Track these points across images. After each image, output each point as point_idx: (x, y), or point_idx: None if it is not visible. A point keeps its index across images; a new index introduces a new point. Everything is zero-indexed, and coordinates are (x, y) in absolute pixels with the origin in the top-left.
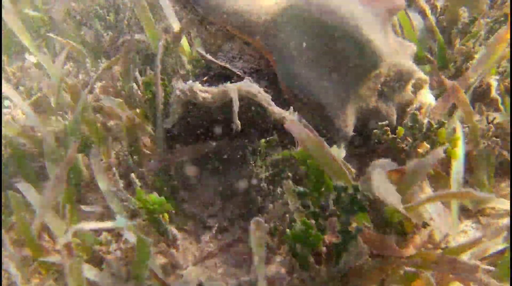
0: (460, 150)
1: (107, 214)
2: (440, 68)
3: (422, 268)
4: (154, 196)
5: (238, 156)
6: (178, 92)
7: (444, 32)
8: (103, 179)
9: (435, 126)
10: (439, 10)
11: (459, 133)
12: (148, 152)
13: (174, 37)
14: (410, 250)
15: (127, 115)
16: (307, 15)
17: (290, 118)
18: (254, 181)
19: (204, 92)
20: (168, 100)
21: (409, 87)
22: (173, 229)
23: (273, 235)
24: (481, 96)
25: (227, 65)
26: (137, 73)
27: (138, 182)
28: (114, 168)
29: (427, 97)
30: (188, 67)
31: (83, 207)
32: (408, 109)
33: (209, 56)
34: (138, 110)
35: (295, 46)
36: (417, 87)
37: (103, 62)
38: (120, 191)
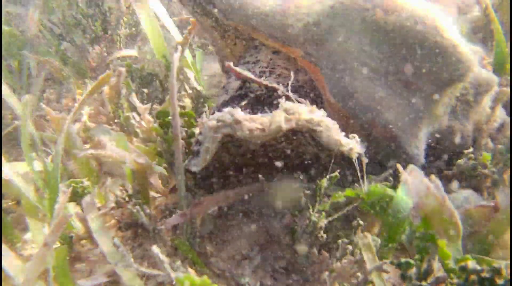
0: None
1: (113, 281)
2: (497, 70)
3: None
4: (206, 281)
5: (280, 198)
6: (213, 124)
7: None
8: (105, 241)
9: None
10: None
11: None
12: (158, 195)
13: (172, 69)
14: None
15: (135, 160)
16: (368, 15)
17: (358, 150)
18: (308, 231)
19: (250, 121)
20: (190, 134)
21: (486, 101)
22: None
23: None
24: None
25: (275, 85)
26: (134, 98)
27: (165, 258)
28: (117, 241)
29: (501, 114)
30: (198, 86)
31: (81, 282)
32: (485, 127)
33: (246, 73)
34: (144, 146)
35: (354, 54)
36: (497, 101)
37: (91, 82)
38: (131, 267)
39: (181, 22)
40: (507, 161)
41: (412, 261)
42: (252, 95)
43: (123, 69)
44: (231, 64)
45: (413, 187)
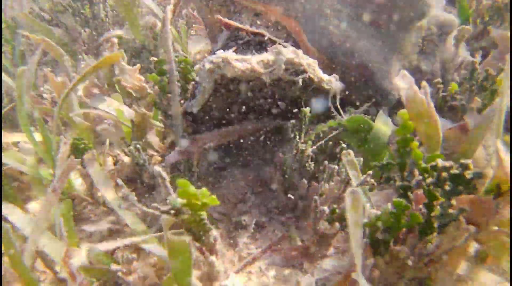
0: None
1: (116, 230)
2: (462, 24)
3: None
4: (204, 190)
5: (268, 139)
6: (208, 65)
7: None
8: (108, 190)
9: (493, 74)
10: None
11: None
12: (155, 153)
13: (165, 19)
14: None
15: (136, 110)
16: None
17: (338, 86)
18: (295, 163)
19: (241, 61)
20: (187, 79)
21: (450, 40)
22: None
23: (331, 221)
24: None
25: (262, 31)
26: (123, 62)
27: (166, 176)
28: (121, 182)
29: (464, 52)
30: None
31: (87, 227)
32: (451, 65)
33: (235, 23)
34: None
35: (327, 4)
36: (459, 39)
37: (85, 59)
38: (133, 206)
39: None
40: (471, 87)
41: (393, 162)
42: (241, 41)
43: (115, 40)
44: (220, 16)
45: (403, 91)
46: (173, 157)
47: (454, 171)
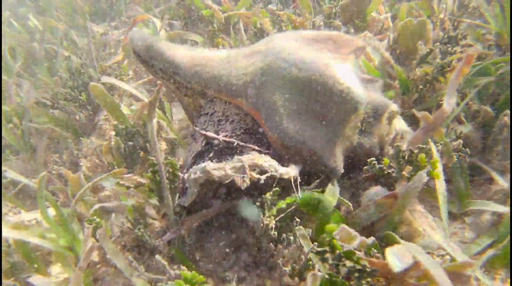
0: (440, 170)
1: None
2: (403, 93)
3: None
4: (194, 274)
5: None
6: (193, 176)
7: (398, 61)
8: (119, 260)
9: (415, 152)
10: (391, 43)
11: (436, 156)
12: (153, 221)
13: (149, 106)
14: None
15: (137, 200)
16: (286, 73)
17: (295, 174)
18: (263, 231)
19: (218, 169)
20: (175, 177)
21: (384, 119)
22: None
23: (293, 276)
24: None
25: (231, 139)
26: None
27: (164, 261)
28: (131, 258)
29: (400, 124)
30: (170, 132)
31: None
32: (387, 139)
33: (210, 134)
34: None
35: (280, 102)
36: (391, 118)
37: (85, 140)
38: (143, 275)
39: (150, 83)
40: (400, 162)
41: (324, 249)
42: (216, 148)
43: (112, 133)
44: (196, 128)
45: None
46: (168, 236)
47: (358, 266)
